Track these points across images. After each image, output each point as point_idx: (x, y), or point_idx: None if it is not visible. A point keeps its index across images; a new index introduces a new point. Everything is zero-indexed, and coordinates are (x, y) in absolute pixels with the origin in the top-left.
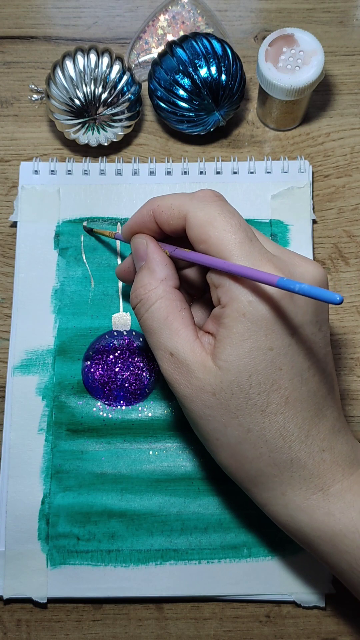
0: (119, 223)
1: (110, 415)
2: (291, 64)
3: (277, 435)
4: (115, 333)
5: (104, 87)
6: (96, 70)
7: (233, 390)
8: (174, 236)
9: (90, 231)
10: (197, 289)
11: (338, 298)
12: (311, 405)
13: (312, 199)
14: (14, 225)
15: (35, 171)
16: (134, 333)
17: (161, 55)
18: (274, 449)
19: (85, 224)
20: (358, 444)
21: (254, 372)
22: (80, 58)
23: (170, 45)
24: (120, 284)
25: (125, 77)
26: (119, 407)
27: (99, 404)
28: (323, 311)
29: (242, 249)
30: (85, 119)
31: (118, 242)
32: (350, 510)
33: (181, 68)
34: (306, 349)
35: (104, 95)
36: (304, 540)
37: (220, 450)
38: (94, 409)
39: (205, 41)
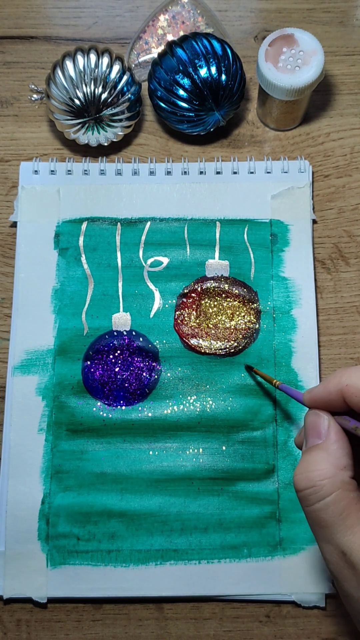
0: (119, 223)
1: (110, 415)
2: (291, 64)
3: None
4: (115, 333)
5: (104, 87)
6: (96, 70)
7: None
8: None
9: (250, 369)
10: None
11: None
12: None
13: (312, 199)
14: (14, 225)
15: (35, 171)
16: (134, 333)
17: (161, 55)
18: None
19: (248, 364)
20: None
21: None
22: (80, 58)
23: (170, 45)
24: (120, 283)
25: (125, 77)
26: (118, 407)
27: (99, 404)
28: None
29: None
30: (85, 119)
31: (118, 242)
32: None
33: (181, 68)
34: None
35: (104, 95)
36: None
37: None
38: (94, 409)
39: (205, 41)
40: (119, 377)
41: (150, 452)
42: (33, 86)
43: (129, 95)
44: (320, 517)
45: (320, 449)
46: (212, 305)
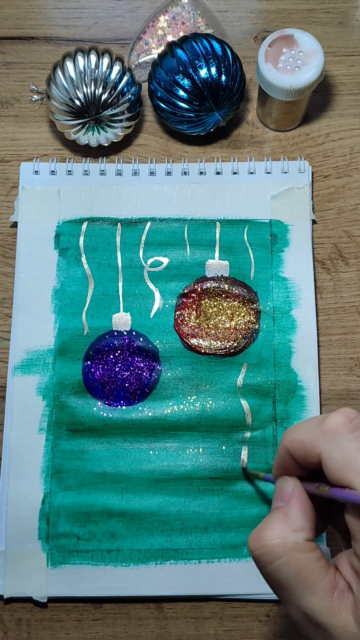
0: (119, 223)
1: (110, 415)
2: (291, 64)
3: None
4: (115, 333)
5: (104, 88)
6: (96, 71)
7: None
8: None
9: (244, 470)
10: None
11: None
12: None
13: (312, 199)
14: (15, 225)
15: (36, 171)
16: (134, 333)
17: (161, 55)
18: None
19: (245, 466)
20: None
21: None
22: (80, 59)
23: (170, 46)
24: (120, 283)
25: (125, 78)
26: (119, 407)
27: (99, 403)
28: None
29: None
30: (85, 120)
31: (118, 242)
32: None
33: (181, 69)
34: None
35: (104, 96)
36: None
37: None
38: (94, 408)
39: (205, 42)
40: (119, 377)
41: (151, 452)
42: (33, 87)
43: (129, 96)
44: (275, 579)
45: (279, 511)
46: (212, 305)
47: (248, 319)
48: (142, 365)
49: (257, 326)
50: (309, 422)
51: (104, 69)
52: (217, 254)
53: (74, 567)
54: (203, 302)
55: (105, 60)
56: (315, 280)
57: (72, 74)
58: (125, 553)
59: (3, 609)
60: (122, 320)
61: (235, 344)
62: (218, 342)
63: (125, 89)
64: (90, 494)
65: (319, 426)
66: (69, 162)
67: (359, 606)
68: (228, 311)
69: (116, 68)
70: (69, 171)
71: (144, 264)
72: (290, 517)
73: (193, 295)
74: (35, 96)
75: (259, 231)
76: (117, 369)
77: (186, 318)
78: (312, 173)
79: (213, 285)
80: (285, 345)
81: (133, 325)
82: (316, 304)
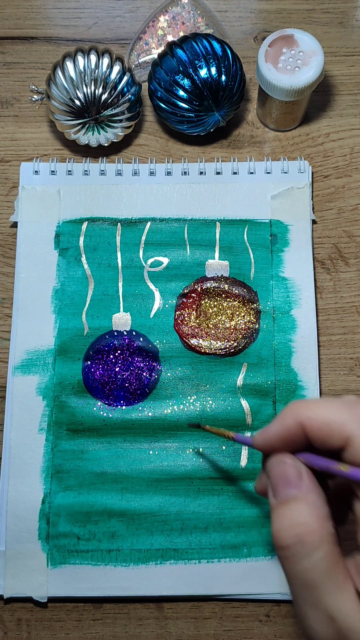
0: (119, 223)
1: (110, 415)
2: (291, 64)
3: None
4: (115, 333)
5: (104, 88)
6: (96, 71)
7: None
8: (323, 449)
9: (197, 427)
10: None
11: None
12: None
13: (312, 199)
14: (15, 225)
15: (36, 171)
16: (134, 333)
17: (161, 55)
18: None
19: (191, 424)
20: None
21: None
22: (80, 59)
23: (170, 46)
24: (120, 283)
25: (125, 78)
26: (119, 406)
27: (99, 403)
28: None
29: None
30: (85, 120)
31: (118, 242)
32: None
33: (181, 69)
34: None
35: (104, 96)
36: None
37: None
38: (94, 408)
39: (205, 42)
40: (119, 377)
41: (151, 452)
42: (33, 87)
43: (129, 96)
44: (307, 578)
45: (299, 501)
46: (212, 305)
47: (248, 318)
48: (142, 365)
49: (257, 326)
50: (335, 403)
51: (104, 69)
52: (217, 254)
53: (74, 567)
54: (203, 302)
55: (105, 60)
56: (315, 280)
57: (72, 74)
58: (125, 553)
59: (3, 609)
60: (122, 320)
61: (235, 344)
62: (218, 342)
63: (125, 89)
64: (90, 494)
65: (351, 409)
66: (69, 162)
67: None
68: (228, 311)
69: (116, 68)
70: (69, 171)
71: (144, 264)
72: (313, 504)
73: (193, 295)
74: (35, 96)
75: (259, 231)
76: (117, 369)
77: (186, 318)
78: (312, 173)
79: (213, 285)
80: (285, 345)
81: (133, 325)
82: (316, 304)
